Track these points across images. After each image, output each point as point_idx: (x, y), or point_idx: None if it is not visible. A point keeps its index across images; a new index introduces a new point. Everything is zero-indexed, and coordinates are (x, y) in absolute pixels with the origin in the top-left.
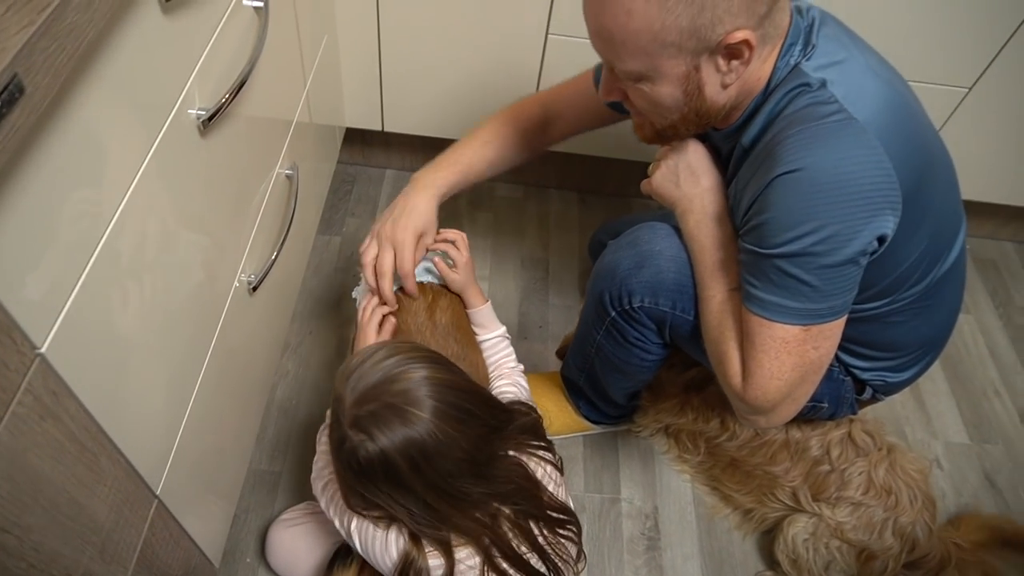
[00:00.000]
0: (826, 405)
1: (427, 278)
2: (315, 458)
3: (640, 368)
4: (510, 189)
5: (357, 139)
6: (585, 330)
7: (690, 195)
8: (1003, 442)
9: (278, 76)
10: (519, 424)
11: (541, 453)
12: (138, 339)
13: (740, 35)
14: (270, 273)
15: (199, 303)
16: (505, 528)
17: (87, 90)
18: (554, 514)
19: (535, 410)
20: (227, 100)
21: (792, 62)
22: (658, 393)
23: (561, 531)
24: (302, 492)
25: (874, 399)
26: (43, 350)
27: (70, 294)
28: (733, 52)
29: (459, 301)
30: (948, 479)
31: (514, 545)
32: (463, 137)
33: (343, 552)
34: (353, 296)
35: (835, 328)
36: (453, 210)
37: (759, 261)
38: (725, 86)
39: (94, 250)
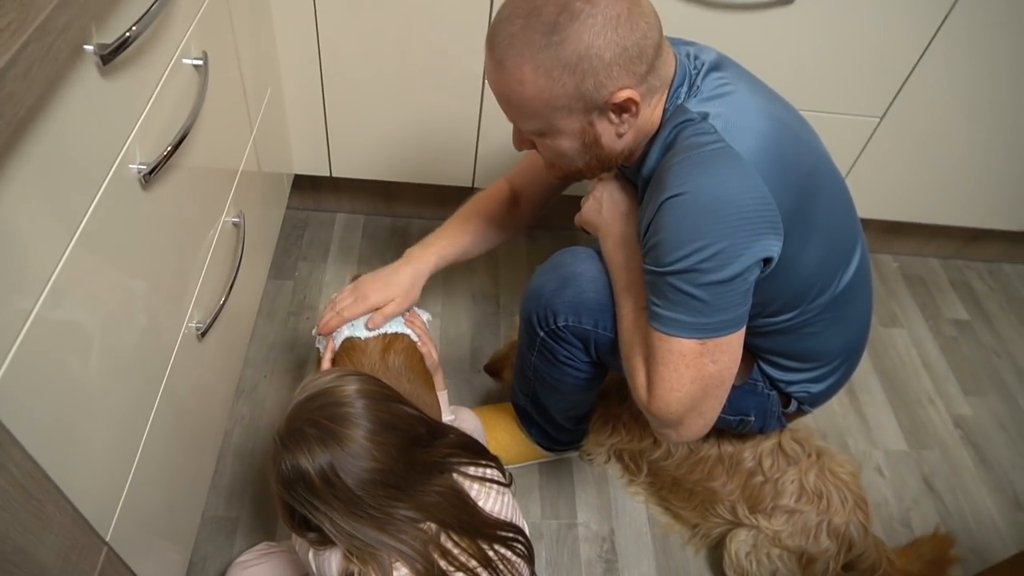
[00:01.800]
0: (753, 419)
1: (394, 328)
2: None
3: (574, 387)
4: None
5: (307, 184)
6: (521, 354)
7: (610, 221)
8: (939, 448)
9: (223, 128)
10: (449, 440)
11: (473, 471)
12: (84, 387)
13: (624, 94)
14: (219, 319)
15: (145, 350)
16: (449, 546)
17: (26, 152)
18: (499, 531)
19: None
20: (168, 154)
21: (678, 102)
22: (599, 416)
23: (510, 548)
24: (259, 535)
25: (800, 411)
26: None
27: (12, 345)
28: (622, 108)
29: (413, 346)
30: (890, 486)
31: (463, 560)
32: (448, 221)
33: None
34: (312, 334)
35: (731, 342)
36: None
37: (656, 279)
38: (620, 135)
39: (37, 301)
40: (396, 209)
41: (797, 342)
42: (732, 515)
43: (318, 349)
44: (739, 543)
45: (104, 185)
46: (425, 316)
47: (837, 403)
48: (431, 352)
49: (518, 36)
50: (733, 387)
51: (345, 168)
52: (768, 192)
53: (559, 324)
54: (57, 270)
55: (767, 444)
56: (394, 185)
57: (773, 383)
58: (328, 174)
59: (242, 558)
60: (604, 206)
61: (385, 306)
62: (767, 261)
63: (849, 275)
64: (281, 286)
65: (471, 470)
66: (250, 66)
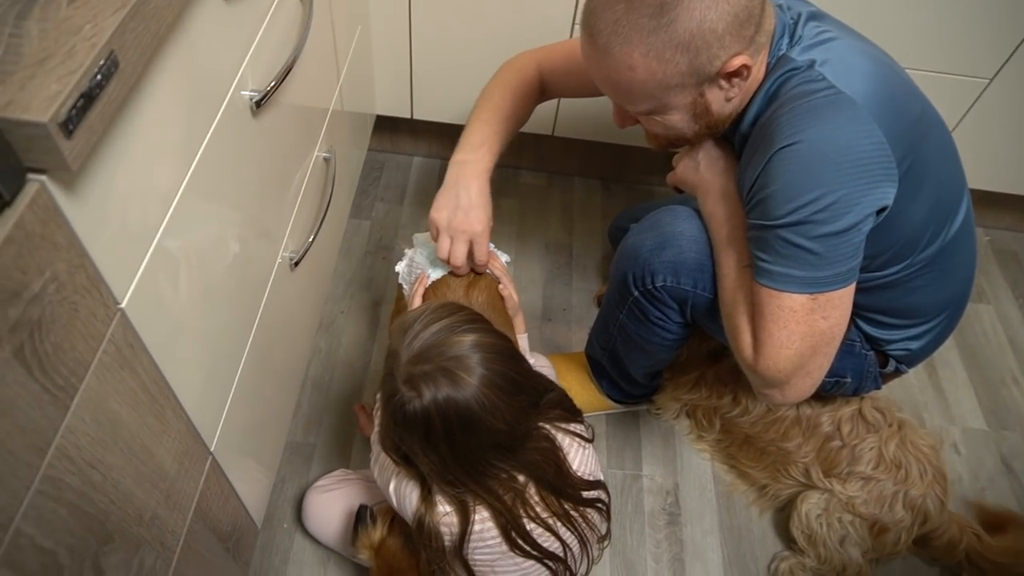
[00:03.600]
0: (849, 380)
1: None
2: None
3: (661, 347)
4: (534, 177)
5: (386, 127)
6: (608, 310)
7: (709, 178)
8: (1020, 429)
9: (316, 65)
10: (552, 398)
11: (572, 426)
12: (196, 307)
13: (737, 61)
14: (309, 251)
15: (247, 276)
16: (528, 495)
17: (163, 68)
18: (584, 491)
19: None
20: (275, 84)
21: (780, 53)
22: (676, 371)
23: (589, 503)
24: (335, 462)
25: (897, 372)
26: (123, 305)
27: (144, 257)
28: (733, 75)
29: (495, 284)
30: (965, 463)
31: (538, 511)
32: (482, 112)
33: (363, 515)
34: (396, 270)
35: (843, 297)
36: None
37: (764, 234)
38: (729, 99)
39: (164, 217)
40: None
41: (901, 297)
42: (805, 477)
43: (401, 286)
44: (811, 505)
45: (222, 108)
46: (504, 258)
47: (915, 376)
48: (512, 294)
49: (623, 21)
50: None
51: (426, 111)
52: (883, 137)
53: (656, 284)
54: (180, 191)
55: (847, 410)
56: None
57: (872, 342)
58: (409, 116)
59: (320, 482)
60: (702, 164)
61: (484, 233)
62: (881, 210)
63: (956, 226)
64: (359, 225)
65: (571, 427)
66: (342, 4)
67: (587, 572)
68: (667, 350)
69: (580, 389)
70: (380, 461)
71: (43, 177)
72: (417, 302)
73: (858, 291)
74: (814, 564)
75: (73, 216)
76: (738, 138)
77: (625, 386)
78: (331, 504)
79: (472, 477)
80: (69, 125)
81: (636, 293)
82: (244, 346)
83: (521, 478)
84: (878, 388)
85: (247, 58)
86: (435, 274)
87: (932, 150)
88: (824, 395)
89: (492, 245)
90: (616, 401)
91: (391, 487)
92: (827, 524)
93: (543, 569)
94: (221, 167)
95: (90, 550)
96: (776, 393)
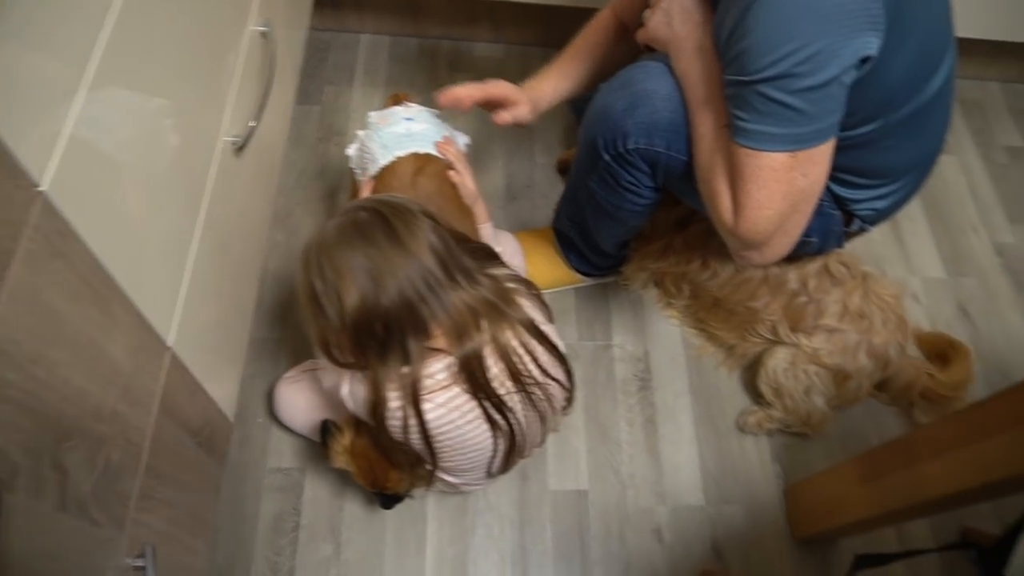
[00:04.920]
0: (815, 240)
1: (426, 149)
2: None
3: (631, 213)
4: (490, 49)
5: (327, 2)
6: (577, 179)
7: (682, 34)
8: (977, 275)
9: None
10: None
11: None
12: (132, 194)
13: None
14: (255, 136)
15: (186, 161)
16: (485, 352)
17: None
18: (546, 349)
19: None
20: None
21: None
22: (642, 240)
23: (550, 372)
24: (302, 355)
25: (860, 231)
26: (45, 188)
27: (61, 135)
28: None
29: (446, 170)
30: (924, 312)
31: (492, 373)
32: (562, 53)
33: (328, 428)
34: (347, 153)
35: (823, 153)
36: (433, 75)
37: (742, 90)
38: None
39: (78, 88)
40: (423, 29)
41: (871, 156)
42: (772, 334)
43: (353, 171)
44: (777, 359)
45: None
46: (462, 140)
47: (878, 230)
48: (465, 181)
49: None
50: None
51: None
52: None
53: (628, 147)
54: (94, 58)
55: (813, 266)
56: (422, 0)
57: (839, 202)
58: None
59: (288, 374)
60: (675, 18)
61: (513, 103)
62: (864, 61)
63: (936, 84)
64: (308, 111)
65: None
66: None
67: (540, 443)
68: (638, 216)
69: (547, 265)
70: (328, 376)
71: None
72: (366, 192)
73: None
74: (780, 415)
75: None
76: None
77: (594, 258)
78: (300, 393)
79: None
80: None
81: (607, 157)
82: (192, 235)
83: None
84: (840, 247)
85: None
86: (384, 159)
87: None
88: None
89: (448, 127)
90: (584, 274)
91: (344, 392)
92: (793, 376)
93: (491, 444)
94: (137, 38)
95: (47, 448)
96: (755, 254)
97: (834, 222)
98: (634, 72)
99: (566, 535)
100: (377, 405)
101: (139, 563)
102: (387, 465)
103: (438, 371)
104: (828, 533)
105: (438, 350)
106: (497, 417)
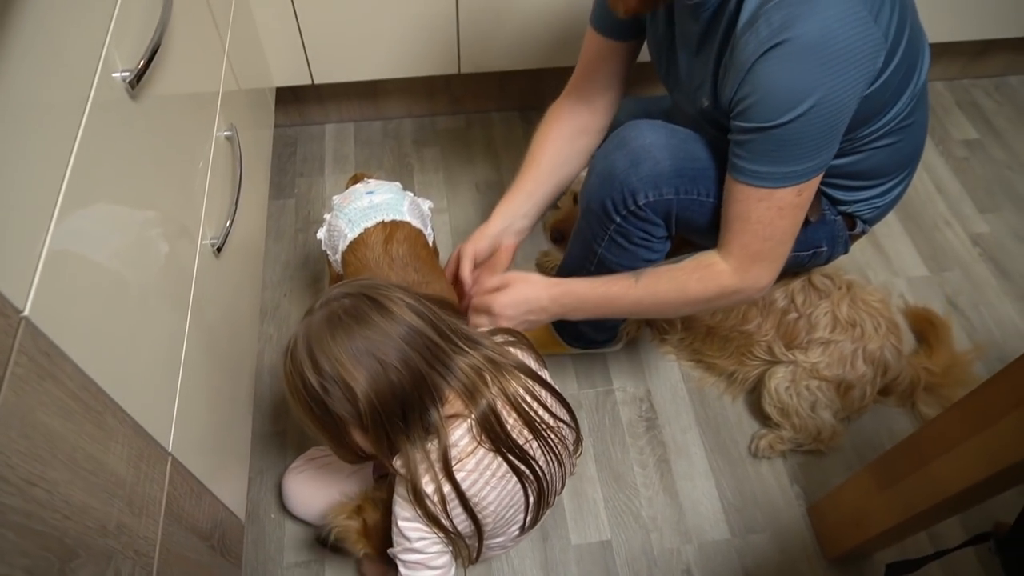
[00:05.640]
0: (824, 248)
1: (391, 216)
2: None
3: None
4: (451, 121)
5: (290, 98)
6: (581, 249)
7: (551, 310)
8: (959, 267)
9: (195, 40)
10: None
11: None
12: (115, 306)
13: None
14: (232, 236)
15: (167, 268)
16: (499, 406)
17: (11, 49)
18: (548, 392)
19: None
20: (145, 62)
21: None
22: None
23: (558, 415)
24: (307, 443)
25: (862, 232)
26: (26, 313)
27: (38, 260)
28: None
29: (415, 234)
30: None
31: (509, 424)
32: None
33: (326, 537)
34: (318, 237)
35: (818, 179)
36: (399, 153)
37: (757, 136)
38: None
39: (51, 214)
40: (384, 111)
41: (867, 159)
42: (769, 355)
43: (326, 253)
44: (778, 379)
45: (92, 93)
46: (426, 205)
47: None
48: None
49: None
50: (808, 223)
51: (326, 74)
52: (872, 22)
53: (639, 203)
54: (64, 184)
55: (796, 283)
56: (379, 85)
57: (840, 206)
58: (310, 82)
59: (295, 464)
60: (517, 310)
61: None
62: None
63: (921, 80)
64: (284, 205)
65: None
66: None
67: (561, 488)
68: None
69: (538, 341)
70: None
71: None
72: (337, 268)
73: None
74: (791, 434)
75: None
76: (725, 23)
77: (591, 333)
78: (307, 483)
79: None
80: None
81: (618, 219)
82: (181, 340)
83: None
84: (846, 252)
85: (108, 36)
86: (353, 233)
87: (905, 5)
88: (801, 269)
89: (410, 195)
90: (580, 348)
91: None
92: (796, 394)
93: (522, 497)
94: (108, 156)
95: (52, 569)
96: (753, 293)
97: (838, 227)
98: (626, 132)
99: None
100: (416, 494)
101: None
102: None
103: (460, 437)
104: (860, 548)
105: (455, 416)
106: (523, 468)
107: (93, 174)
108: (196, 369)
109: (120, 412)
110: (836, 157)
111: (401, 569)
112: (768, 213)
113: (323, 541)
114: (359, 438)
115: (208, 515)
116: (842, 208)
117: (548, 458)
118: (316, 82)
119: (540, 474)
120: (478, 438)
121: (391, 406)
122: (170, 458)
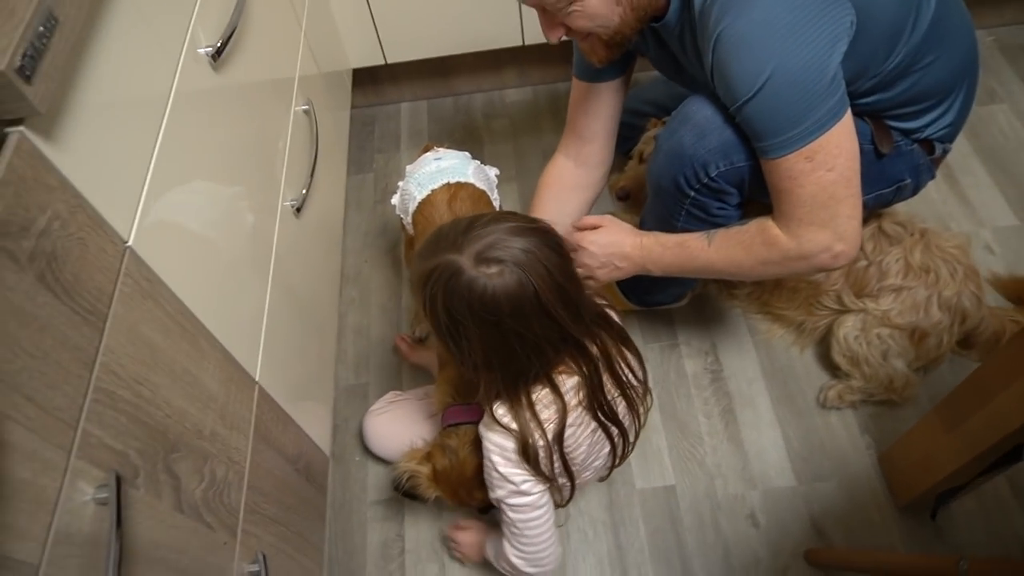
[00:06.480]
0: (908, 180)
1: (456, 178)
2: None
3: None
4: (520, 93)
5: (367, 80)
6: (658, 227)
7: (634, 256)
8: None
9: (273, 20)
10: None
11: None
12: (206, 247)
13: None
14: (311, 201)
15: (251, 220)
16: (602, 367)
17: (109, 24)
18: (631, 353)
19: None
20: (228, 36)
21: None
22: None
23: (638, 374)
24: (387, 391)
25: (944, 154)
26: (131, 243)
27: (139, 202)
28: None
29: (479, 194)
30: (1001, 261)
31: (604, 380)
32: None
33: (399, 483)
34: (392, 203)
35: (840, 137)
36: (471, 127)
37: (740, 115)
38: None
39: (149, 163)
40: (455, 87)
41: (915, 83)
42: (838, 304)
43: (400, 217)
44: (848, 328)
45: (180, 64)
46: (492, 172)
47: (935, 189)
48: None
49: None
50: (881, 156)
51: (398, 52)
52: None
53: (712, 175)
54: (159, 139)
55: (866, 230)
56: (449, 61)
57: (911, 134)
58: (383, 62)
59: (375, 407)
60: (604, 251)
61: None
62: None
63: None
64: (363, 179)
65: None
66: None
67: (635, 439)
68: None
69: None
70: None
71: (21, 128)
72: (410, 229)
73: (871, 94)
74: (861, 384)
75: (59, 161)
76: (688, 22)
77: (659, 295)
78: (388, 424)
79: (568, 330)
80: (25, 71)
81: (692, 193)
82: (266, 283)
83: (595, 335)
84: (933, 178)
85: (194, 15)
86: (421, 195)
87: None
88: (888, 205)
89: (476, 162)
90: (644, 307)
91: (503, 451)
92: (867, 342)
93: (607, 443)
94: (196, 117)
95: (159, 455)
96: (828, 260)
97: (916, 155)
98: (687, 107)
99: (659, 530)
100: (526, 447)
101: (254, 568)
102: (470, 484)
103: (567, 391)
104: (930, 492)
105: (563, 371)
106: (610, 426)
107: (182, 133)
108: (279, 310)
109: (211, 338)
110: (880, 90)
111: (509, 514)
112: (785, 182)
113: (398, 487)
114: (479, 352)
115: (293, 443)
116: (915, 136)
117: (631, 415)
118: (388, 61)
119: (625, 429)
120: (578, 396)
121: (528, 321)
122: (257, 386)
